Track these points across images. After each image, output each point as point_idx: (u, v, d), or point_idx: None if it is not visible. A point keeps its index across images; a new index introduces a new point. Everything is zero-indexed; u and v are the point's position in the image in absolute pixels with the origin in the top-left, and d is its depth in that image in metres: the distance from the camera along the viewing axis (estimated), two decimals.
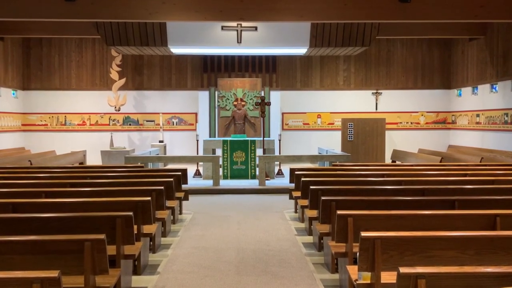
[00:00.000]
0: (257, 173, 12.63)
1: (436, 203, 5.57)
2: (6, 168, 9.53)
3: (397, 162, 14.69)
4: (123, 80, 16.61)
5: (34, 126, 17.24)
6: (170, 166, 14.54)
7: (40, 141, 17.07)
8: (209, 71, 17.29)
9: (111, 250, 4.36)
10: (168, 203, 7.48)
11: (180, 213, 9.03)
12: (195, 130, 16.69)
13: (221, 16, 11.01)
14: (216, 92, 16.33)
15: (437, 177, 7.92)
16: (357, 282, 4.01)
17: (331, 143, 16.75)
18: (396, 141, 17.36)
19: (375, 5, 10.61)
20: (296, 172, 8.55)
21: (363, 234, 3.84)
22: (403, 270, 3.07)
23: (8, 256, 3.75)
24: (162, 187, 6.65)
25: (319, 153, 14.71)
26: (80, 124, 17.35)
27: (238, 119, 16.11)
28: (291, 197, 8.85)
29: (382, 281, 3.82)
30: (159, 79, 17.41)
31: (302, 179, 7.43)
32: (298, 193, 8.08)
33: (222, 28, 14.08)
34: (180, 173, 8.66)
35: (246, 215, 9.03)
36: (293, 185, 8.88)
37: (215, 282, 5.34)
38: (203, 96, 16.56)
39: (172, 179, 7.58)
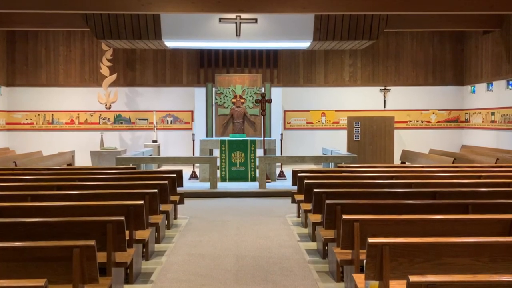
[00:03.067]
0: (257, 175, 12.64)
1: (448, 207, 5.58)
2: None
3: (407, 164, 14.70)
4: (114, 76, 16.62)
5: (19, 125, 17.25)
6: (165, 167, 14.55)
7: (25, 141, 17.08)
8: (206, 66, 17.30)
9: (101, 257, 4.37)
10: (162, 207, 7.49)
11: (175, 218, 9.04)
12: (191, 129, 16.68)
13: (219, 8, 11.03)
14: (214, 89, 16.34)
15: (449, 180, 7.93)
16: None
17: (336, 143, 16.76)
18: (405, 141, 17.37)
19: None
20: (298, 174, 8.56)
21: (371, 240, 3.84)
22: (413, 278, 3.07)
23: None
24: (156, 190, 6.65)
25: (323, 154, 14.72)
26: (68, 123, 17.35)
27: (237, 118, 16.12)
28: (293, 201, 8.85)
29: None
30: (153, 75, 17.42)
31: (305, 181, 7.44)
32: (301, 197, 8.09)
33: (220, 20, 14.09)
34: (175, 175, 8.66)
35: (246, 219, 9.04)
36: (295, 187, 8.90)
37: None
38: (199, 93, 16.57)
39: (166, 182, 7.58)
